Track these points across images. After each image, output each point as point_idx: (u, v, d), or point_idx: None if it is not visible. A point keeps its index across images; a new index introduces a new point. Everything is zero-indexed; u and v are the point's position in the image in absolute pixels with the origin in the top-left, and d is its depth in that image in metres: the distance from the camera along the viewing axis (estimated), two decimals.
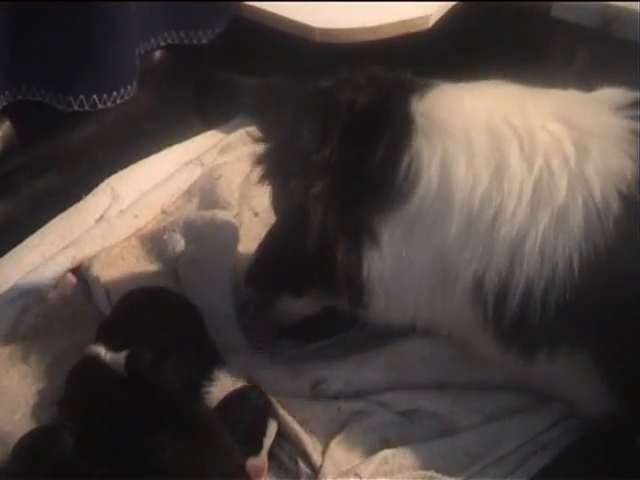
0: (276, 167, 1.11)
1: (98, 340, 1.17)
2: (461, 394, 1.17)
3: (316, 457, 1.11)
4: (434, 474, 1.10)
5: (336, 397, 1.18)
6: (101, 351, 1.13)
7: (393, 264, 1.03)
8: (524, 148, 0.99)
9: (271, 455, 1.10)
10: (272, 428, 1.10)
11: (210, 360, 1.16)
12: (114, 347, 1.14)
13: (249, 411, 1.10)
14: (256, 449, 1.08)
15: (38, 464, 1.03)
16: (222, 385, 1.12)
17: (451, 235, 1.00)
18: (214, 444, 1.04)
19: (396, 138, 1.01)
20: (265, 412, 1.11)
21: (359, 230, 1.03)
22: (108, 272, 1.35)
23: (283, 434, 1.12)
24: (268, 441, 1.09)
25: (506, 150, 0.99)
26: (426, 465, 1.11)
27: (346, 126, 1.04)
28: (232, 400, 1.11)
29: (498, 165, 0.99)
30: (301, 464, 1.11)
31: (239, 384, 1.13)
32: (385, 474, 1.10)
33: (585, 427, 1.12)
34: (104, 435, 1.05)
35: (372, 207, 1.02)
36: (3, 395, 1.19)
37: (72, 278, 1.34)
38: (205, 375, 1.13)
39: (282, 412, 1.13)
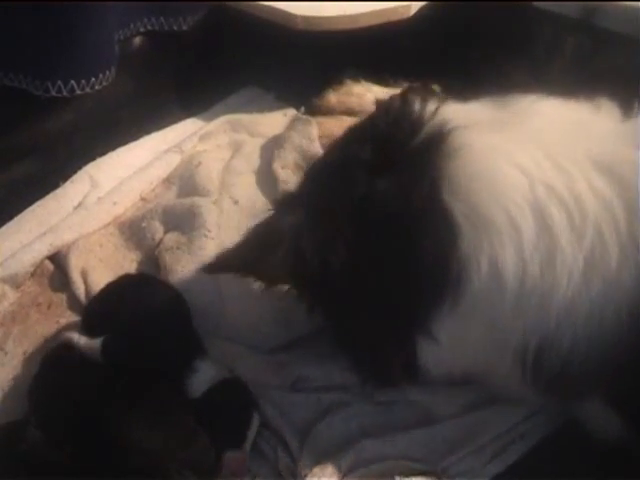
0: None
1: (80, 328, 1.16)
2: (441, 384, 1.16)
3: (295, 446, 1.10)
4: (413, 463, 1.10)
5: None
6: (74, 336, 1.12)
7: (449, 349, 1.02)
8: (574, 223, 0.93)
9: (251, 444, 1.10)
10: (255, 421, 1.10)
11: (192, 349, 1.14)
12: (93, 334, 1.12)
13: (233, 404, 1.09)
14: (239, 442, 1.08)
15: (5, 462, 1.02)
16: (205, 376, 1.11)
17: (504, 315, 0.97)
18: (178, 425, 1.05)
19: (439, 247, 0.94)
20: (249, 405, 1.10)
21: (412, 335, 1.01)
22: (86, 259, 1.33)
23: (263, 423, 1.12)
24: (251, 434, 1.09)
25: (555, 230, 0.93)
26: (406, 453, 1.11)
27: (370, 237, 0.96)
28: (216, 392, 1.10)
29: (548, 249, 0.94)
30: (280, 453, 1.10)
31: (222, 375, 1.12)
32: (365, 463, 1.09)
33: (563, 417, 1.12)
34: (73, 423, 1.05)
35: (423, 315, 0.98)
36: None
37: (49, 265, 1.33)
38: (187, 365, 1.11)
39: (262, 401, 1.13)
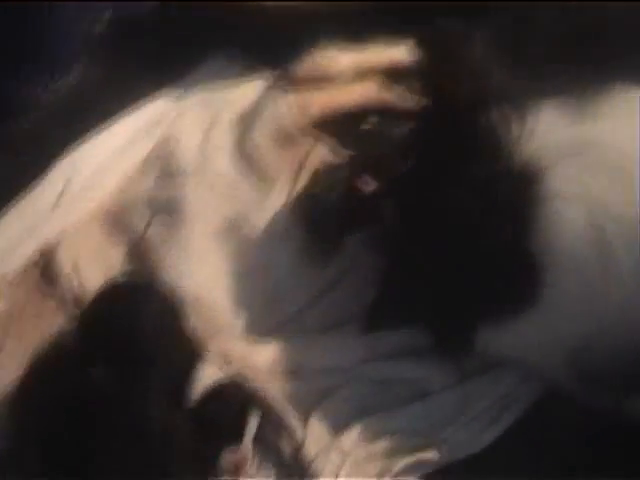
0: None
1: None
2: (435, 358, 1.20)
3: (299, 432, 1.14)
4: (414, 437, 1.15)
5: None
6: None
7: (505, 338, 1.11)
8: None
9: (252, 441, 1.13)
10: (253, 421, 1.13)
11: (190, 356, 1.17)
12: (88, 349, 1.14)
13: (227, 407, 1.12)
14: (238, 443, 1.11)
15: None
16: (202, 382, 1.14)
17: (563, 321, 1.05)
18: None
19: (523, 281, 1.05)
20: (244, 406, 1.13)
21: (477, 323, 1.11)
22: (72, 258, 1.32)
23: (266, 411, 1.15)
24: (249, 435, 1.12)
25: (614, 250, 1.00)
26: (406, 429, 1.16)
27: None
28: (209, 397, 1.13)
29: (606, 266, 1.01)
30: (284, 442, 1.14)
31: (220, 379, 1.15)
32: (367, 441, 1.14)
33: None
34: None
35: (498, 315, 1.08)
36: None
37: (35, 268, 1.31)
38: (185, 373, 1.14)
39: (265, 387, 1.16)
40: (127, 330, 1.15)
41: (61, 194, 1.40)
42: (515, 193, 1.02)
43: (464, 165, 1.06)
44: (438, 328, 1.16)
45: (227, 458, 1.11)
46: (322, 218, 1.32)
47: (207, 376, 1.16)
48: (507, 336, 1.10)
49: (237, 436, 1.12)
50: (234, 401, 1.14)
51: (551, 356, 1.10)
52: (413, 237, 1.12)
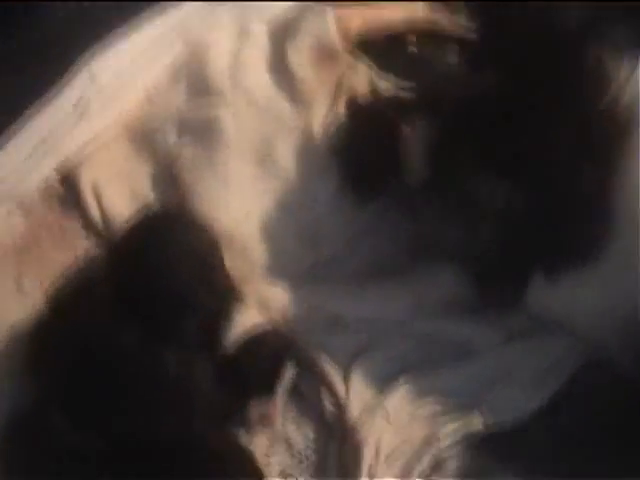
0: None
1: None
2: (482, 317, 1.15)
3: (340, 389, 1.09)
4: (458, 397, 1.11)
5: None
6: None
7: (557, 293, 1.07)
8: None
9: (293, 388, 1.09)
10: (289, 374, 1.08)
11: (228, 297, 1.10)
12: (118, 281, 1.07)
13: (263, 357, 1.07)
14: (268, 393, 1.07)
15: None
16: (239, 327, 1.08)
17: (622, 286, 1.01)
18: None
19: (594, 231, 1.01)
20: (281, 357, 1.08)
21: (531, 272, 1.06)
22: (96, 174, 1.22)
23: (304, 363, 1.10)
24: (283, 387, 1.07)
25: None
26: (450, 389, 1.12)
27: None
28: (246, 345, 1.07)
29: None
30: (324, 397, 1.10)
31: (257, 326, 1.09)
32: (412, 401, 1.10)
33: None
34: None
35: (558, 265, 1.04)
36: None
37: (57, 184, 1.22)
38: (221, 314, 1.08)
39: (304, 344, 1.11)
40: (161, 264, 1.08)
41: (81, 103, 1.28)
42: (608, 138, 0.97)
43: (560, 100, 0.99)
44: (487, 278, 1.12)
45: (256, 409, 1.06)
46: (364, 158, 1.23)
47: (243, 321, 1.09)
48: (559, 295, 1.06)
49: (268, 389, 1.08)
50: (268, 350, 1.09)
51: (603, 323, 1.06)
52: (478, 169, 1.06)
